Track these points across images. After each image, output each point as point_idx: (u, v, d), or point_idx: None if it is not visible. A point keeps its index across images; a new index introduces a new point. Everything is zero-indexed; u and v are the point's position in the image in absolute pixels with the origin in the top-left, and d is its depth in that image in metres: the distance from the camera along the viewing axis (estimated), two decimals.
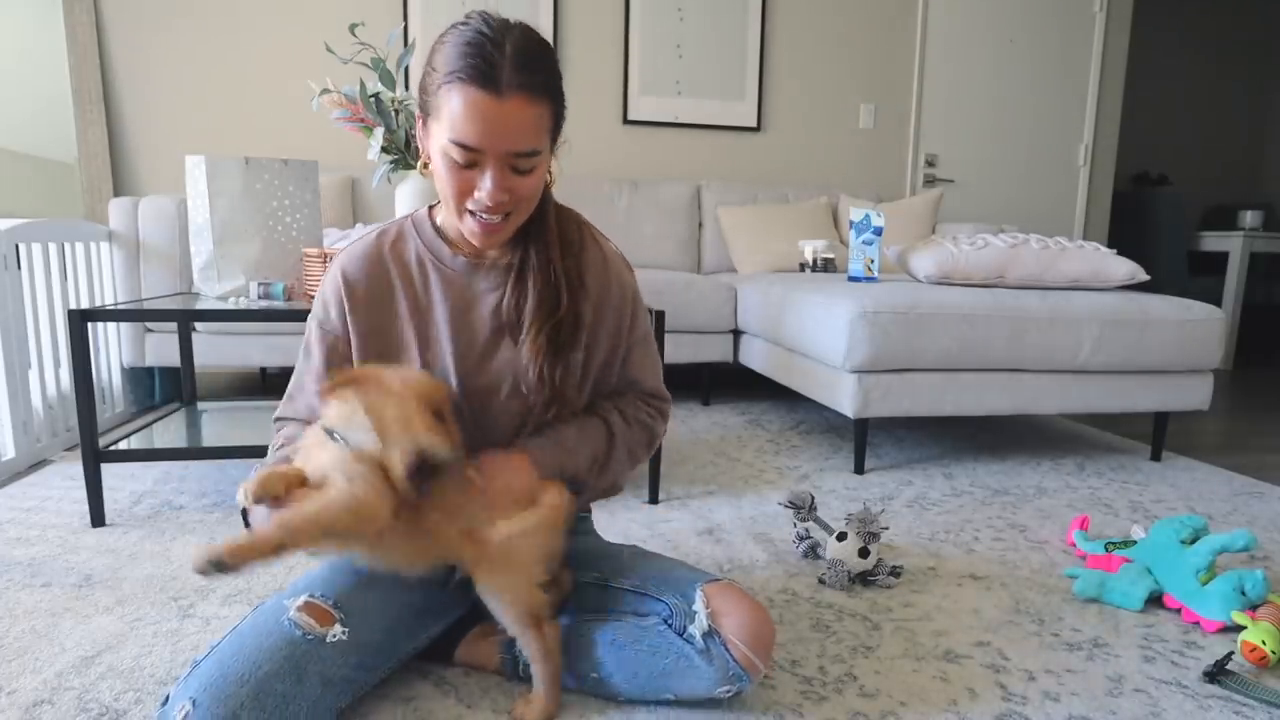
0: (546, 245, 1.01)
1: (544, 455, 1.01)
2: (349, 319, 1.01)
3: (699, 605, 0.97)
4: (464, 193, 0.91)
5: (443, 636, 1.09)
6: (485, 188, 0.89)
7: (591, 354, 1.07)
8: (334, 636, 0.91)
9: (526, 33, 0.89)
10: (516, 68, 0.85)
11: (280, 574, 1.40)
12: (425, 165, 0.96)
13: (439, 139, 0.89)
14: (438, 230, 1.04)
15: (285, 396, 1.07)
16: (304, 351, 1.05)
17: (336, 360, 1.02)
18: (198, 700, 0.81)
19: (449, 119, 0.87)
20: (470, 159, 0.88)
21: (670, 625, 0.99)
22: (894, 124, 3.85)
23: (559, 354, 1.00)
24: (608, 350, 1.08)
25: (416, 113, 0.97)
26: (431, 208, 1.07)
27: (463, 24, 0.88)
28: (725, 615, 0.97)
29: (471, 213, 0.93)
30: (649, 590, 1.02)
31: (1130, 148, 4.92)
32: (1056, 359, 2.11)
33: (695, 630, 0.96)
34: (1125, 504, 1.91)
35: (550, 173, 0.99)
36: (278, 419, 1.07)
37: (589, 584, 1.08)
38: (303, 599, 0.92)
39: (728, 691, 0.96)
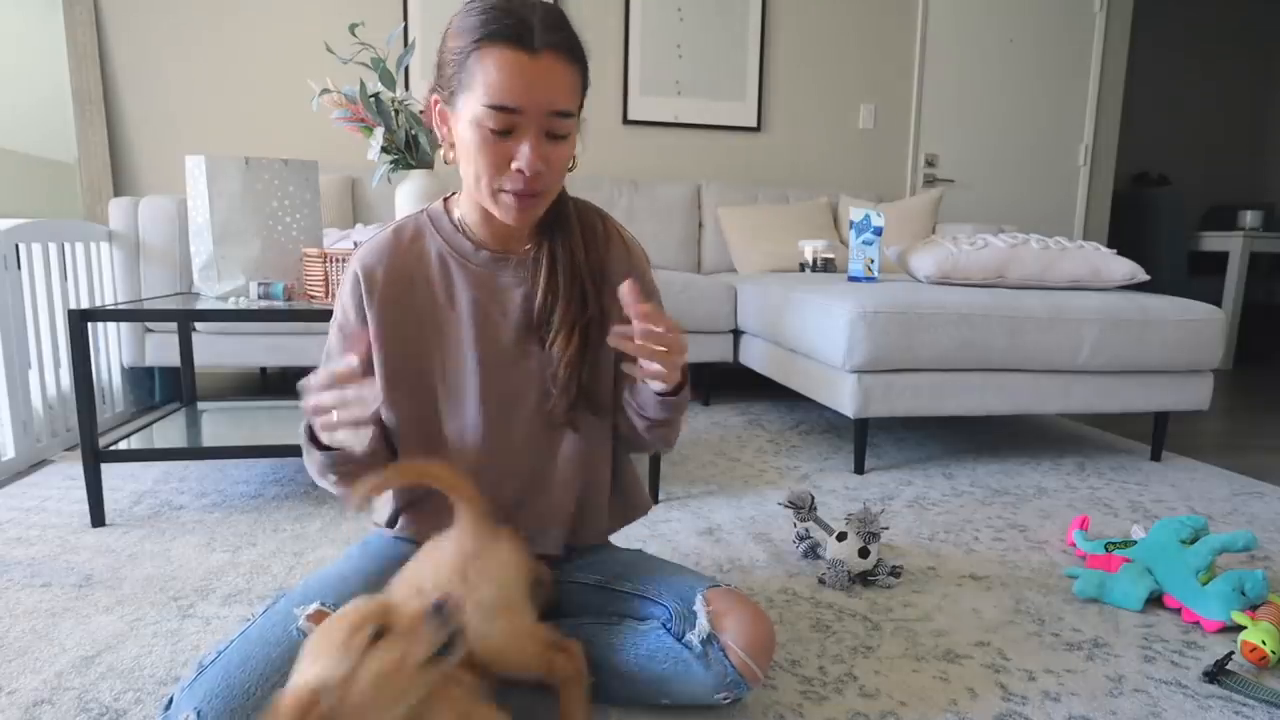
0: (570, 238, 0.99)
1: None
2: (368, 316, 0.98)
3: (699, 610, 0.96)
4: (500, 166, 0.88)
5: None
6: (524, 155, 0.86)
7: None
8: None
9: (551, 6, 0.88)
10: (548, 27, 0.85)
11: (280, 574, 1.40)
12: (451, 147, 0.93)
13: (470, 111, 0.86)
14: (456, 225, 1.01)
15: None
16: (326, 356, 1.03)
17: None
18: (203, 711, 0.79)
19: (483, 84, 0.84)
20: (507, 123, 0.85)
21: (669, 630, 0.97)
22: (894, 124, 3.85)
23: (588, 354, 0.99)
24: None
25: (432, 100, 0.93)
26: (446, 200, 1.04)
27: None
28: (725, 621, 0.96)
29: (506, 191, 0.90)
30: (649, 594, 1.01)
31: (1130, 148, 4.92)
32: (1056, 359, 2.11)
33: (694, 636, 0.95)
34: (1125, 504, 1.91)
35: (574, 155, 0.98)
36: None
37: (589, 586, 1.07)
38: (313, 608, 0.90)
39: (726, 698, 0.96)
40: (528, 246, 1.01)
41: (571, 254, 0.99)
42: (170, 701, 0.83)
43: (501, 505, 0.99)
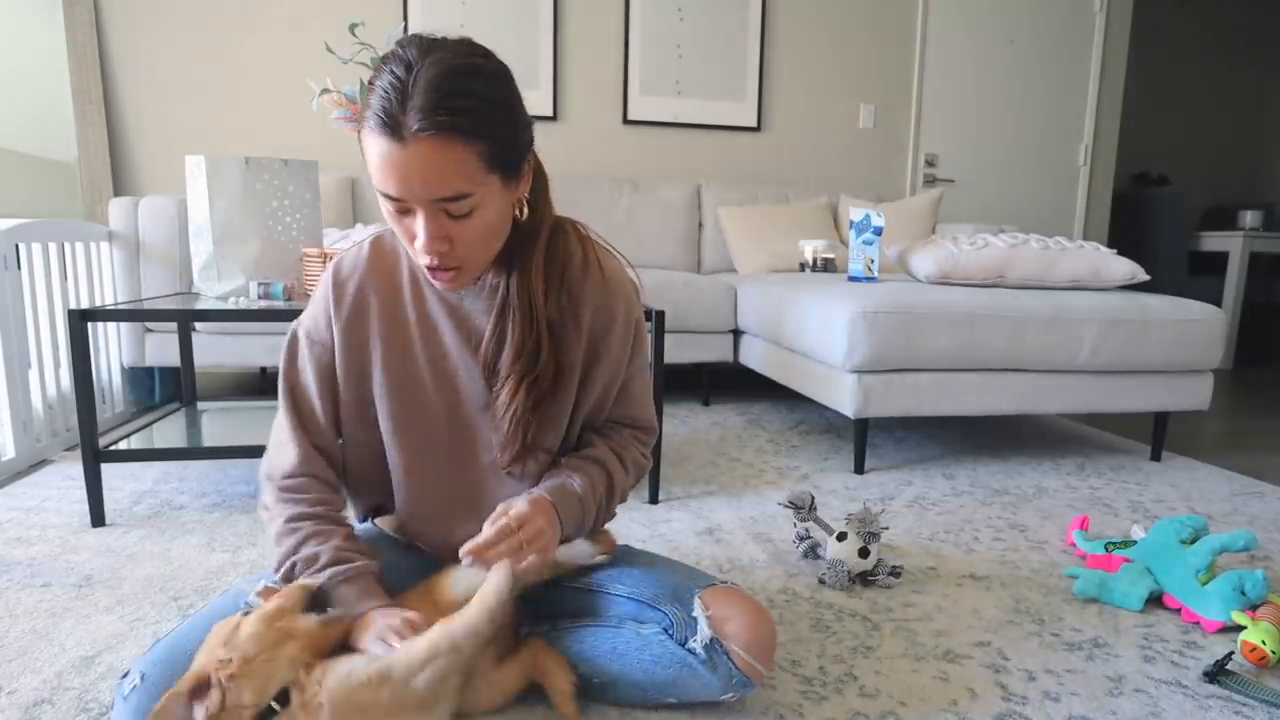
0: (529, 281, 0.94)
1: (566, 509, 0.97)
2: (333, 327, 0.99)
3: (699, 615, 0.96)
4: (410, 240, 0.86)
5: None
6: (420, 241, 0.84)
7: (588, 390, 1.02)
8: None
9: (449, 64, 0.79)
10: (421, 110, 0.77)
11: None
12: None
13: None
14: None
15: (285, 417, 0.99)
16: (292, 364, 1.01)
17: (324, 370, 1.00)
18: (146, 674, 0.84)
19: (370, 166, 0.82)
20: (400, 206, 0.83)
21: (671, 635, 0.97)
22: (894, 124, 3.85)
23: (537, 409, 0.96)
24: (606, 383, 1.04)
25: None
26: None
27: (389, 57, 0.81)
28: (726, 622, 0.95)
29: (423, 264, 0.87)
30: (646, 599, 1.00)
31: (1130, 148, 4.92)
32: (1056, 359, 2.11)
33: (697, 644, 0.95)
34: (1125, 504, 1.91)
35: (523, 202, 0.92)
36: (287, 427, 1.00)
37: (582, 590, 1.05)
38: (262, 584, 0.92)
39: (733, 697, 0.97)
40: (491, 276, 0.97)
41: (530, 298, 0.93)
42: (126, 674, 0.87)
43: (464, 538, 0.93)
